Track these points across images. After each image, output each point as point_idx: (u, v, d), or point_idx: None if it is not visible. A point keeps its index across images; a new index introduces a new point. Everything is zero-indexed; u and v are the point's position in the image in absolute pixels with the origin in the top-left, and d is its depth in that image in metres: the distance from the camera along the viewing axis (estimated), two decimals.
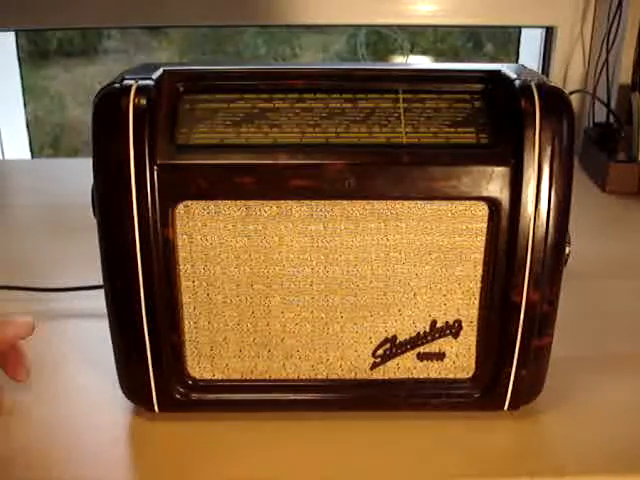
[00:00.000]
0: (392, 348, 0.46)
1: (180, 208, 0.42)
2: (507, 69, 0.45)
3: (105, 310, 0.45)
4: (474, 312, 0.45)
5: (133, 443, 0.46)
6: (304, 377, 0.47)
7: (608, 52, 1.02)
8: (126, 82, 0.42)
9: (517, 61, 1.23)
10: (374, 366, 0.47)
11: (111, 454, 0.45)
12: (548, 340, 0.45)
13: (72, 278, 0.65)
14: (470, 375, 0.47)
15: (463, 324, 0.45)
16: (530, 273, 0.43)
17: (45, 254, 0.75)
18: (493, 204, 0.42)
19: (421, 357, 0.46)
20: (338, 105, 0.44)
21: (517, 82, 0.42)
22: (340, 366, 0.47)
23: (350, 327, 0.45)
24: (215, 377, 0.47)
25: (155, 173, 0.41)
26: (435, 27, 1.48)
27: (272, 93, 0.44)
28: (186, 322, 0.45)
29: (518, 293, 0.43)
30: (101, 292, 0.45)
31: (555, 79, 1.11)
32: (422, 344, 0.46)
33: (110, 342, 0.46)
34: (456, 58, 1.61)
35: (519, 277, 0.43)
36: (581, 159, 1.03)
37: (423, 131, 0.43)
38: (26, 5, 1.05)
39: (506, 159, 0.42)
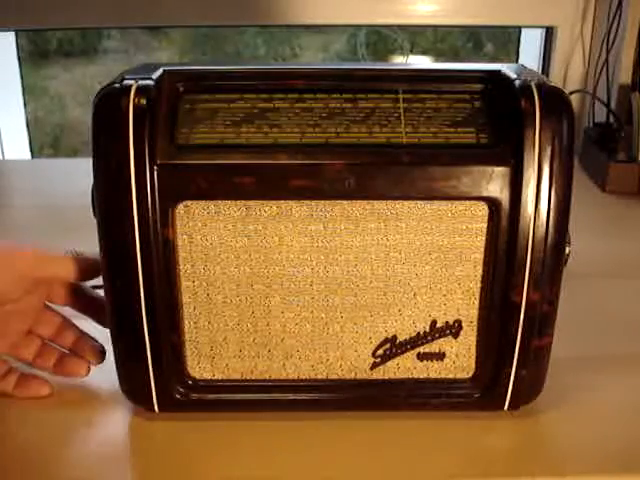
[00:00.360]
0: (392, 348, 0.46)
1: (180, 208, 0.42)
2: (507, 69, 0.44)
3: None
4: (474, 312, 0.45)
5: (133, 443, 0.47)
6: (304, 377, 0.47)
7: (608, 52, 1.02)
8: (126, 82, 0.42)
9: (517, 61, 1.23)
10: (374, 366, 0.47)
11: (111, 454, 0.45)
12: (548, 340, 0.45)
13: None
14: (470, 375, 0.47)
15: (463, 324, 0.45)
16: (530, 273, 0.43)
17: None
18: (493, 204, 0.42)
19: (421, 357, 0.46)
20: (338, 105, 0.44)
21: (517, 82, 0.42)
22: (340, 366, 0.47)
23: (350, 327, 0.45)
24: (215, 377, 0.47)
25: (155, 173, 0.41)
26: (435, 27, 1.48)
27: (272, 93, 0.44)
28: (186, 322, 0.45)
29: (518, 293, 0.43)
30: (101, 292, 0.45)
31: (555, 79, 1.11)
32: (422, 344, 0.46)
33: (110, 342, 0.46)
34: (456, 58, 1.62)
35: (519, 277, 0.43)
36: (581, 159, 1.03)
37: (423, 131, 0.43)
38: (26, 5, 1.05)
39: (506, 159, 0.42)
